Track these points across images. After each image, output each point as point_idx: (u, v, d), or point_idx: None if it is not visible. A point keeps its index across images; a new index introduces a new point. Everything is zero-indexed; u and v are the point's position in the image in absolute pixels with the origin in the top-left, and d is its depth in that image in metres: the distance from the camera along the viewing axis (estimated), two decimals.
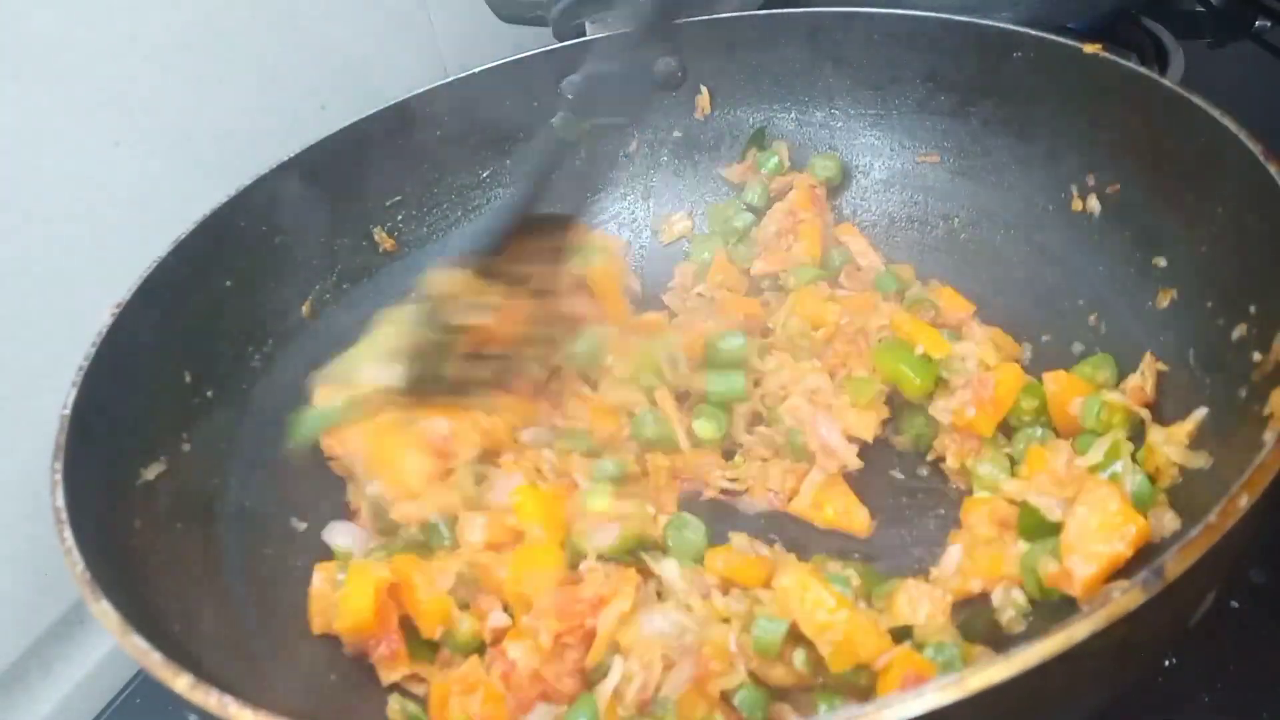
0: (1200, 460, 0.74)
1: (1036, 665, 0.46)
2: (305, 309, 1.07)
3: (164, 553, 0.79)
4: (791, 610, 0.71)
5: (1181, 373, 0.83)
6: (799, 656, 0.72)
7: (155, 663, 0.56)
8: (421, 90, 1.14)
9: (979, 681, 0.45)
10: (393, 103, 1.12)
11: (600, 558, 0.82)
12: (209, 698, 0.53)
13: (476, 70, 1.16)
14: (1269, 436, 0.58)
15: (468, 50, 1.35)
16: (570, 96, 1.19)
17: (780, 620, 0.72)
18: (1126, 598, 0.47)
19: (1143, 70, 0.89)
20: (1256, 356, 0.72)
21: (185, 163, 1.04)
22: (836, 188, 1.18)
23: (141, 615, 0.64)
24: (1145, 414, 0.83)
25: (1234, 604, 0.83)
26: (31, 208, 0.92)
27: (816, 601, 0.71)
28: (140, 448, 0.84)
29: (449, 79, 1.15)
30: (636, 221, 1.24)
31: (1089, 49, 0.92)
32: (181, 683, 0.54)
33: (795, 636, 0.72)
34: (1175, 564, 0.49)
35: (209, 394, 0.94)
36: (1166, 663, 0.79)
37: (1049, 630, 0.47)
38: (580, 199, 1.21)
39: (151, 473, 0.84)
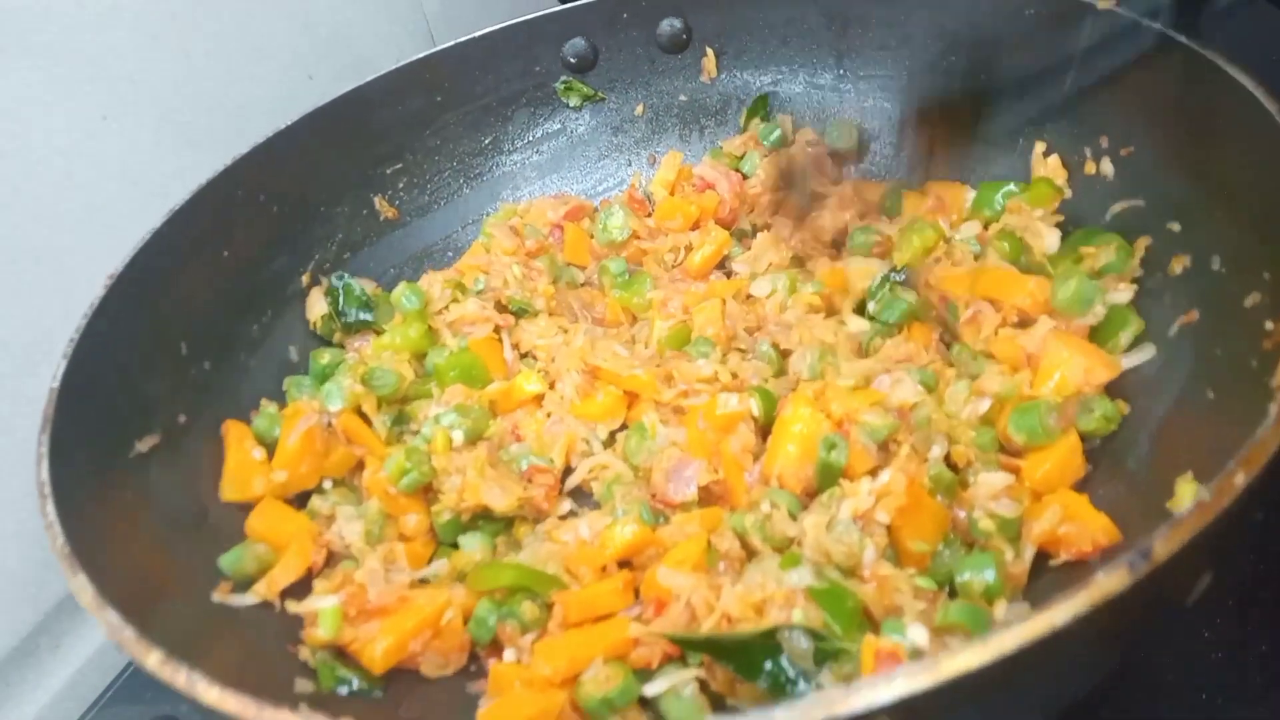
0: None
1: (1014, 651, 0.44)
2: (305, 278, 1.06)
3: (156, 524, 0.79)
4: None
5: (1192, 341, 0.80)
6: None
7: (128, 639, 0.56)
8: (422, 55, 1.12)
9: (952, 667, 0.43)
10: (393, 68, 1.10)
11: None
12: (177, 675, 0.52)
13: (477, 35, 1.13)
14: (1273, 408, 0.56)
15: (455, 19, 1.33)
16: (573, 60, 1.18)
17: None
18: (1110, 579, 0.45)
19: (1159, 27, 0.85)
20: (1269, 325, 0.69)
21: (173, 135, 1.03)
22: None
23: (125, 588, 0.63)
24: None
25: None
26: (20, 182, 0.91)
27: None
28: (134, 420, 0.84)
29: (449, 43, 1.13)
30: (642, 188, 1.22)
31: (1103, 4, 0.89)
32: (153, 659, 0.54)
33: None
34: (1164, 545, 0.47)
35: (206, 365, 0.94)
36: None
37: (1028, 614, 0.45)
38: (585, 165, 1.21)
39: (145, 445, 0.83)
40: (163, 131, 1.02)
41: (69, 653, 1.00)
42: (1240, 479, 0.49)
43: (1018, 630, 0.44)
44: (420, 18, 1.28)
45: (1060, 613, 0.44)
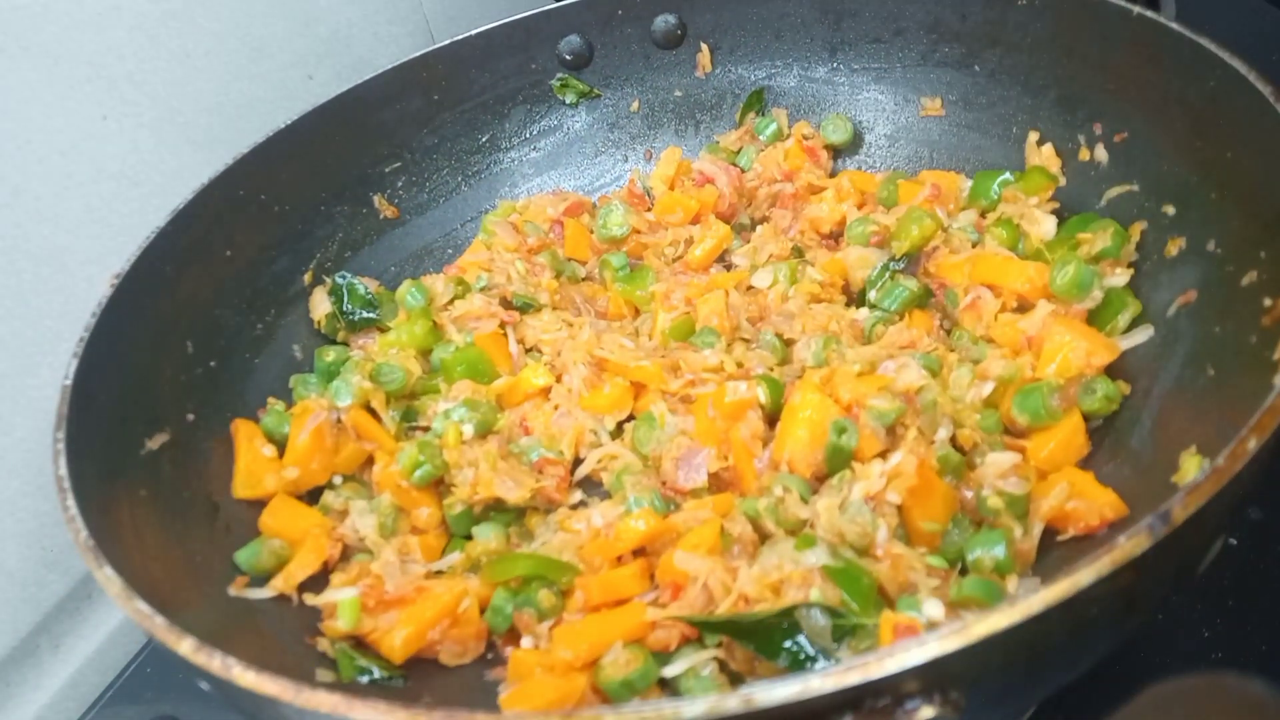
0: None
1: (1040, 612, 0.45)
2: (307, 277, 1.06)
3: (170, 521, 0.79)
4: None
5: (1191, 320, 0.81)
6: None
7: (158, 627, 0.56)
8: (419, 54, 1.12)
9: (983, 628, 0.44)
10: (390, 67, 1.10)
11: None
12: (212, 660, 0.53)
13: (473, 33, 1.14)
14: (1278, 380, 0.57)
15: (455, 18, 1.33)
16: (568, 57, 1.19)
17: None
18: (1132, 543, 0.47)
19: (1151, 14, 0.87)
20: (1267, 302, 0.70)
21: (173, 135, 1.03)
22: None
23: (146, 581, 0.64)
24: None
25: (1232, 541, 0.82)
26: (20, 183, 0.91)
27: None
28: (143, 418, 0.84)
29: (446, 42, 1.13)
30: (641, 184, 1.22)
31: None
32: (185, 645, 0.54)
33: None
34: (1182, 508, 0.48)
35: (211, 364, 0.94)
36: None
37: (1053, 577, 0.46)
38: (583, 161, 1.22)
39: (155, 443, 0.84)
40: (163, 131, 1.02)
41: (69, 653, 1.00)
42: (1253, 443, 0.50)
43: (1044, 593, 0.45)
44: (420, 17, 1.28)
45: (1085, 575, 0.46)
